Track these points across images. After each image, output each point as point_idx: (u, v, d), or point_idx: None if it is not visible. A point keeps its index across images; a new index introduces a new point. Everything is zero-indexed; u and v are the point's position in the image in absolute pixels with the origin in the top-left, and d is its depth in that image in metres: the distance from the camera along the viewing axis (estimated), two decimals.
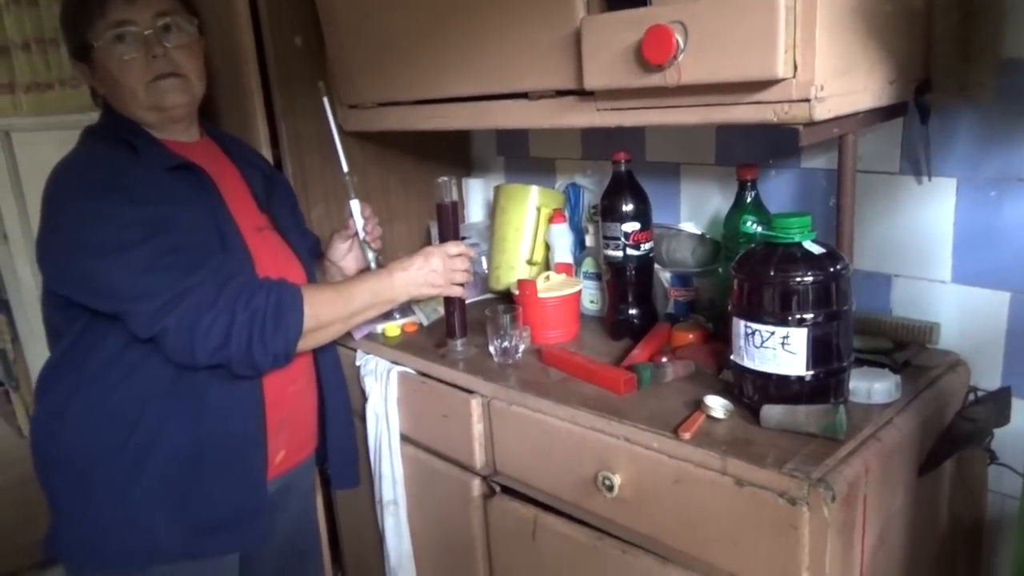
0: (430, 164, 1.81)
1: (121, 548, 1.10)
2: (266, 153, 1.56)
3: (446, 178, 1.29)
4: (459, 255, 1.25)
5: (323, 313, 1.11)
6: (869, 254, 1.21)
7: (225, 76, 1.56)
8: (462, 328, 1.33)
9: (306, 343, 1.11)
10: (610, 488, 1.03)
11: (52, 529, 1.14)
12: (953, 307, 1.15)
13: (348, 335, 1.47)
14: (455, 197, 1.30)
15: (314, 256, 1.38)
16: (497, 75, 1.22)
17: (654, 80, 0.97)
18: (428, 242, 1.81)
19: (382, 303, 1.19)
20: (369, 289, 1.18)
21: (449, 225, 1.30)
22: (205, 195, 1.12)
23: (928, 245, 1.17)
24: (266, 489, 1.18)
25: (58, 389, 1.11)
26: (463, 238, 1.34)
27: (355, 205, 1.31)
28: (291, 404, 1.22)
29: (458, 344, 1.33)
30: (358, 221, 1.32)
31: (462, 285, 1.27)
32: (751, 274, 0.97)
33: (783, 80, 0.89)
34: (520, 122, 1.25)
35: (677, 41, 0.92)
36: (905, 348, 1.14)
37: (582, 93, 1.11)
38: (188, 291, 1.01)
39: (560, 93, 1.15)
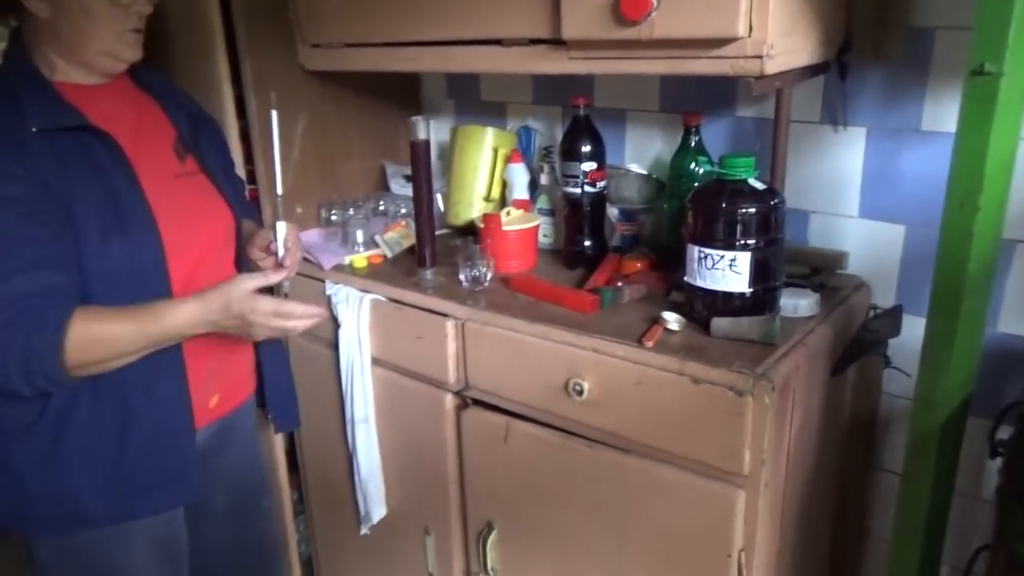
0: (381, 104, 1.87)
1: (48, 516, 1.12)
2: (226, 92, 1.59)
3: (418, 117, 1.37)
4: (272, 313, 1.09)
5: (91, 352, 1.01)
6: (792, 193, 1.40)
7: (183, 10, 1.55)
8: (432, 258, 1.44)
9: (82, 373, 1.03)
10: (580, 393, 1.18)
11: None
12: (859, 238, 1.37)
13: (317, 266, 1.56)
14: (426, 136, 1.38)
15: (241, 199, 1.36)
16: (472, 21, 1.30)
17: (628, 33, 1.09)
18: (382, 179, 1.88)
19: (175, 339, 1.10)
20: (160, 328, 1.05)
21: (421, 162, 1.39)
22: (103, 156, 1.08)
23: (840, 185, 1.37)
24: (194, 445, 1.20)
25: None
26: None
27: (281, 228, 1.19)
28: (221, 352, 1.24)
29: (428, 273, 1.44)
30: (279, 247, 1.19)
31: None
32: (704, 206, 1.13)
33: (740, 38, 1.03)
34: (492, 67, 1.34)
35: (652, 0, 1.05)
36: (820, 273, 1.34)
37: (555, 42, 1.22)
38: None
39: (533, 41, 1.25)
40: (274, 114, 1.20)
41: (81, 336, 0.99)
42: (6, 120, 1.02)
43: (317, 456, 1.74)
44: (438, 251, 1.50)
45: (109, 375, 1.07)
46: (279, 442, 1.78)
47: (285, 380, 1.43)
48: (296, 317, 1.11)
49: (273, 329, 1.12)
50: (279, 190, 1.23)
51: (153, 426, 1.14)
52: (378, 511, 1.57)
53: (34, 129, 1.02)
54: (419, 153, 1.39)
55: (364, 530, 1.61)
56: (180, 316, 1.05)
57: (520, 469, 1.31)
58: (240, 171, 1.55)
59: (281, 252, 1.19)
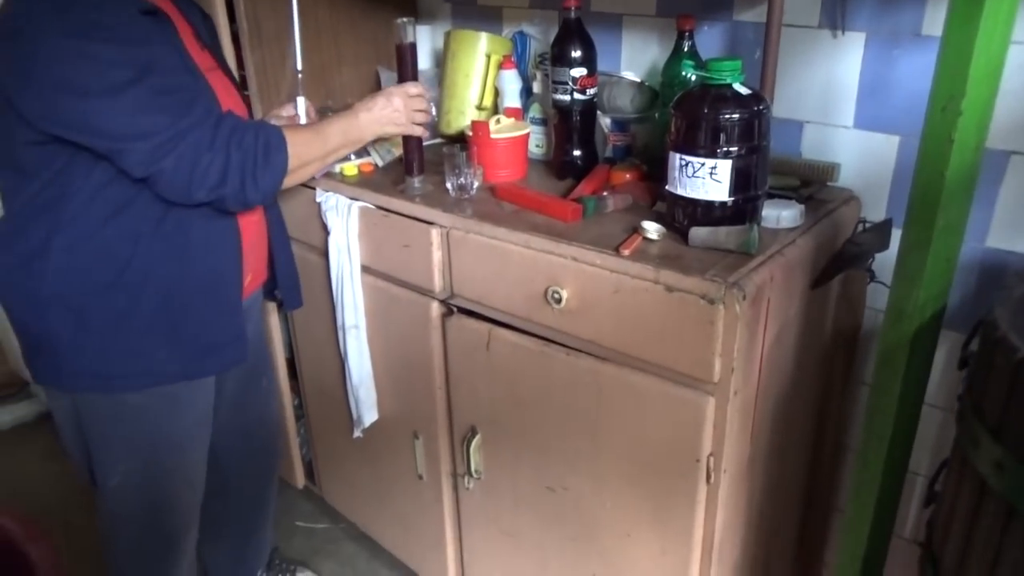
0: (377, 9, 1.82)
1: (123, 372, 1.21)
2: None
3: (405, 19, 1.33)
4: (418, 95, 1.34)
5: (304, 153, 1.20)
6: (786, 102, 1.36)
7: None
8: (420, 166, 1.43)
9: (289, 181, 1.20)
10: (558, 301, 1.19)
11: (46, 359, 1.21)
12: (853, 149, 1.33)
13: None
14: (413, 39, 1.35)
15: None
16: None
17: None
18: (377, 86, 1.85)
19: (352, 142, 1.30)
20: (340, 130, 1.26)
21: (408, 66, 1.36)
22: (173, 38, 1.15)
23: (836, 94, 1.32)
24: (242, 312, 1.30)
25: (33, 229, 1.13)
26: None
27: (301, 103, 1.36)
28: (254, 231, 1.33)
29: (416, 181, 1.43)
30: (302, 117, 1.38)
31: (422, 124, 1.35)
32: (687, 112, 1.10)
33: None
34: None
35: None
36: (810, 185, 1.32)
37: None
38: (185, 132, 1.06)
39: None
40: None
41: (292, 141, 1.17)
42: (121, 6, 1.06)
43: (313, 363, 1.79)
44: (428, 159, 1.48)
45: (180, 237, 1.16)
46: (278, 337, 1.83)
47: (290, 262, 1.50)
48: (420, 89, 1.34)
49: (415, 116, 1.34)
50: (299, 66, 1.36)
51: (213, 290, 1.23)
52: (370, 416, 1.62)
53: (134, 9, 1.08)
54: (405, 57, 1.35)
55: (357, 433, 1.66)
56: (352, 120, 1.27)
57: (501, 376, 1.34)
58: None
59: (304, 122, 1.33)
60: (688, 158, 1.11)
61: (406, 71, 1.36)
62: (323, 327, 1.65)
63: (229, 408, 1.47)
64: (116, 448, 1.27)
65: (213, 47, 1.30)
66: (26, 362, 1.25)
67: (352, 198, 1.49)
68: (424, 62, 1.89)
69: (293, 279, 1.51)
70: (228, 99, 1.23)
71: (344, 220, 1.49)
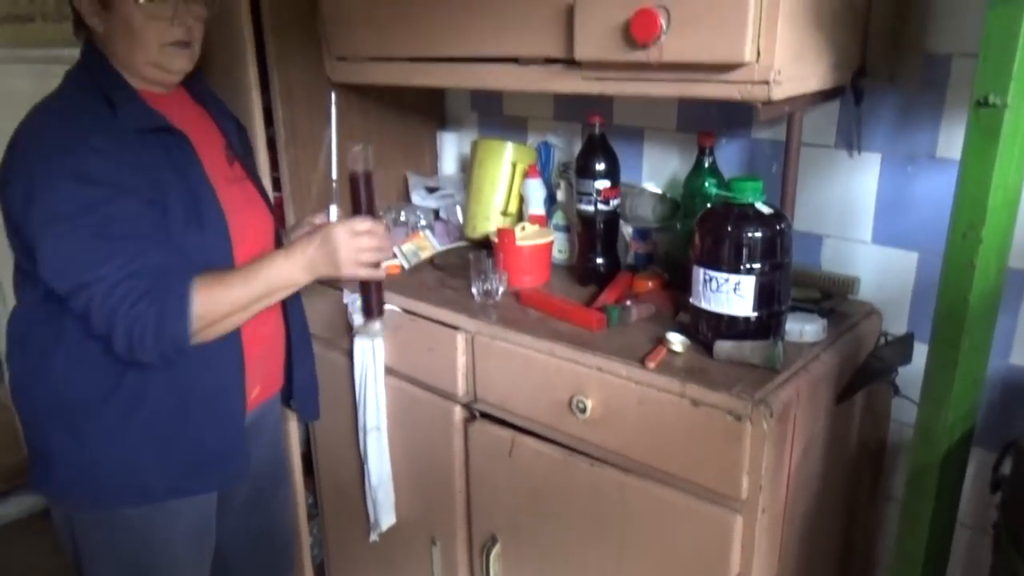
0: (406, 116, 1.91)
1: (114, 488, 1.19)
2: (254, 99, 1.64)
3: (359, 146, 1.22)
4: (366, 231, 1.16)
5: (213, 312, 1.10)
6: (805, 216, 1.39)
7: (216, 20, 1.61)
8: (379, 308, 1.27)
9: (203, 337, 1.11)
10: (583, 410, 1.19)
11: (42, 468, 1.21)
12: (872, 264, 1.35)
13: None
14: (368, 167, 1.20)
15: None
16: (491, 40, 1.32)
17: (638, 56, 1.11)
18: (405, 191, 1.92)
19: (281, 289, 1.17)
20: (265, 279, 1.13)
21: (360, 198, 1.21)
22: (181, 155, 1.16)
23: (854, 210, 1.36)
24: (243, 427, 1.28)
25: (39, 334, 1.16)
26: (379, 215, 1.25)
27: (334, 211, 1.26)
28: (265, 343, 1.31)
29: (376, 324, 1.30)
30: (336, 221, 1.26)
31: (377, 264, 1.21)
32: (711, 229, 1.14)
33: (748, 64, 1.03)
34: (509, 85, 1.36)
35: (661, 24, 1.06)
36: (831, 298, 1.33)
37: (569, 62, 1.24)
38: (87, 284, 1.04)
39: (548, 60, 1.27)
40: (333, 96, 1.33)
41: (203, 299, 1.08)
42: (106, 120, 1.10)
43: (331, 461, 1.77)
44: (453, 263, 1.52)
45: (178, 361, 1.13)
46: (295, 445, 1.82)
47: (310, 374, 1.48)
48: (369, 226, 1.16)
49: (360, 256, 1.16)
50: (334, 175, 1.30)
51: (211, 406, 1.21)
52: (387, 519, 1.59)
53: (132, 128, 1.10)
54: (357, 187, 1.21)
55: (373, 537, 1.64)
56: (282, 264, 1.15)
57: (524, 484, 1.32)
58: (266, 179, 1.60)
59: None
60: (712, 273, 1.13)
61: (359, 203, 1.21)
62: (343, 426, 1.65)
63: (241, 517, 1.44)
64: (106, 559, 1.24)
65: (245, 157, 1.33)
66: (28, 466, 1.24)
67: None
68: (450, 167, 1.96)
69: (311, 391, 1.49)
70: (247, 212, 1.26)
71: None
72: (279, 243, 1.35)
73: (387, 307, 1.24)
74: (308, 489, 1.89)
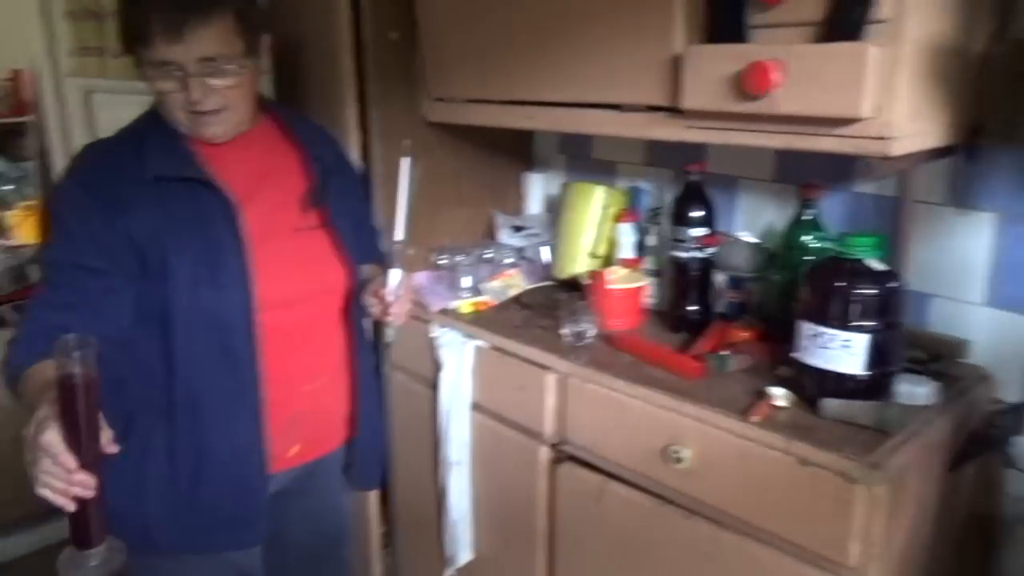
0: (495, 155, 1.94)
1: (123, 535, 1.10)
2: (354, 139, 1.69)
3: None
4: (49, 455, 0.84)
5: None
6: (913, 274, 1.36)
7: (320, 62, 1.68)
8: (99, 535, 0.89)
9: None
10: (678, 460, 1.17)
11: None
12: (984, 327, 1.30)
13: (424, 308, 1.61)
14: (81, 369, 0.83)
15: (370, 252, 1.37)
16: (591, 85, 1.34)
17: (749, 107, 1.10)
18: (490, 229, 1.94)
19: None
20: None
21: (79, 407, 0.84)
22: (210, 208, 1.13)
23: (965, 271, 1.32)
24: (263, 493, 1.22)
25: None
26: (97, 434, 0.88)
27: (395, 275, 1.21)
28: (307, 402, 1.26)
29: (91, 559, 0.89)
30: (390, 292, 1.21)
31: (52, 493, 0.87)
32: (820, 283, 1.12)
33: (865, 119, 1.02)
34: (607, 131, 1.37)
35: (776, 77, 1.06)
36: (939, 360, 1.29)
37: (673, 110, 1.24)
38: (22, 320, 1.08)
39: (651, 108, 1.28)
40: (405, 161, 1.22)
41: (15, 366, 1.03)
42: (126, 168, 1.11)
43: (408, 493, 1.78)
44: (539, 302, 1.52)
45: (187, 413, 1.13)
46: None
47: (375, 440, 1.42)
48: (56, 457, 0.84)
49: (41, 477, 0.86)
50: (399, 236, 1.22)
51: (225, 468, 1.17)
52: (464, 555, 1.59)
53: (152, 176, 1.10)
54: (74, 393, 0.84)
55: (449, 572, 1.63)
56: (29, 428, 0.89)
57: (612, 530, 1.30)
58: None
59: (391, 299, 1.20)
60: (820, 328, 1.11)
61: (73, 415, 0.84)
62: (423, 459, 1.66)
63: (297, 570, 1.43)
64: None
65: (332, 201, 1.26)
66: None
67: (467, 335, 1.53)
68: (536, 207, 1.98)
69: (373, 455, 1.42)
70: (307, 263, 1.22)
71: (458, 356, 1.53)
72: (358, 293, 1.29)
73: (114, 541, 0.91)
74: (382, 518, 1.90)
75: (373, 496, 1.86)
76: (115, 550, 0.91)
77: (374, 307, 1.25)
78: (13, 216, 3.08)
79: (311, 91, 1.74)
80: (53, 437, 0.84)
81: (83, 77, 2.19)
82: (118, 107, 2.25)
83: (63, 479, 0.84)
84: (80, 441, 0.85)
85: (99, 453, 0.88)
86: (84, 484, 0.85)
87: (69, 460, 0.84)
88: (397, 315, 1.23)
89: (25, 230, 2.94)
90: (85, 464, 0.85)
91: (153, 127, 1.13)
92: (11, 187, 3.72)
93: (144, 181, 1.10)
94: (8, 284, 2.86)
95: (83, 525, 0.88)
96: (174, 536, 1.18)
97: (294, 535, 1.41)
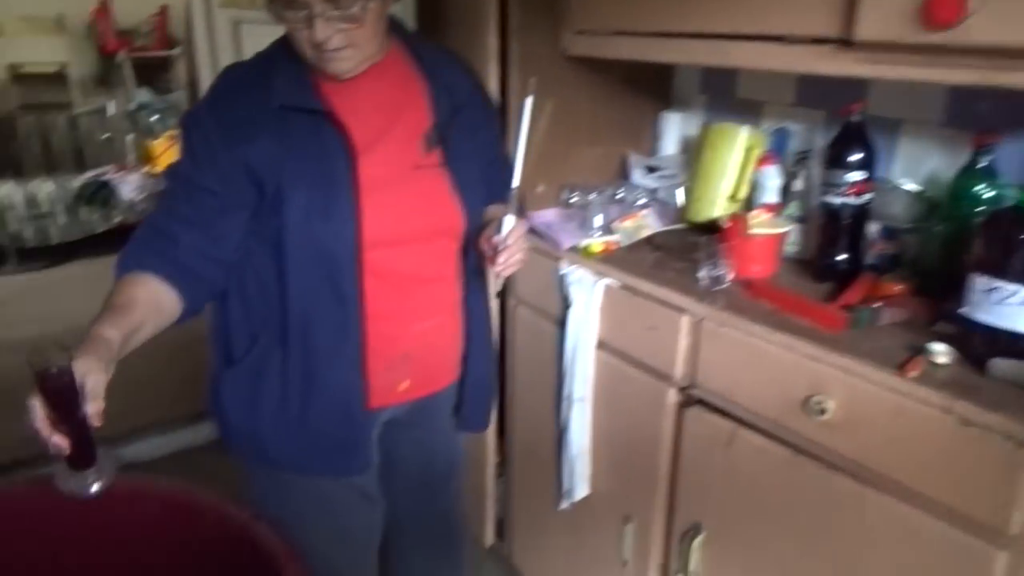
0: (632, 93, 1.88)
1: (243, 448, 1.26)
2: (492, 71, 1.68)
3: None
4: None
5: None
6: None
7: None
8: (89, 459, 0.92)
9: None
10: (821, 412, 1.13)
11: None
12: None
13: (554, 246, 1.61)
14: (71, 379, 0.86)
15: (497, 192, 1.28)
16: (753, 16, 1.26)
17: (934, 38, 1.01)
18: (623, 169, 1.90)
19: None
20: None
21: (67, 406, 0.87)
22: (327, 142, 1.12)
23: None
24: (364, 426, 1.25)
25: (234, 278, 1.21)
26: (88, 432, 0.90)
27: (508, 222, 1.16)
28: (418, 340, 1.26)
29: (90, 476, 0.92)
30: (500, 239, 1.15)
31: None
32: (1002, 234, 1.03)
33: None
34: (767, 65, 1.30)
35: (971, 3, 0.96)
36: None
37: (842, 42, 1.15)
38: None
39: (816, 40, 1.20)
40: (529, 101, 1.15)
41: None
42: (254, 94, 1.12)
43: (526, 426, 1.81)
44: (671, 244, 1.48)
45: (298, 341, 1.17)
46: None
47: (484, 381, 1.41)
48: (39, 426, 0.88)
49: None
50: (515, 182, 1.17)
51: (331, 398, 1.20)
52: (581, 489, 1.61)
53: (277, 105, 1.10)
54: (62, 396, 0.87)
55: (564, 505, 1.66)
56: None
57: (740, 478, 1.28)
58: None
59: (501, 247, 1.15)
60: (997, 283, 1.02)
61: (68, 409, 0.87)
62: (544, 394, 1.68)
63: (410, 495, 1.49)
64: (262, 505, 1.27)
65: (456, 140, 1.22)
66: None
67: (598, 274, 1.52)
68: (671, 148, 1.92)
69: (481, 398, 1.42)
70: (421, 202, 1.20)
71: (587, 295, 1.52)
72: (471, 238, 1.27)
73: (101, 450, 0.93)
74: (497, 448, 1.95)
75: (490, 428, 1.91)
76: (108, 461, 0.94)
77: (486, 253, 1.21)
78: (158, 145, 3.29)
79: (452, 19, 1.73)
80: (37, 413, 0.87)
81: (233, 8, 2.28)
82: (266, 37, 2.33)
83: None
84: (59, 419, 0.88)
85: (81, 422, 0.89)
86: (57, 445, 0.88)
87: (44, 430, 0.87)
88: (505, 264, 1.16)
89: (169, 159, 3.13)
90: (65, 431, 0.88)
91: (284, 56, 1.13)
92: (156, 117, 3.98)
93: (269, 109, 1.11)
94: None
95: (73, 456, 0.90)
96: (284, 455, 1.24)
97: (405, 463, 1.46)
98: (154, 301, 1.08)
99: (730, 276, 1.39)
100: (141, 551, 1.04)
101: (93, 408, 0.89)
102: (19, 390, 0.88)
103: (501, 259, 1.15)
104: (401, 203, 1.18)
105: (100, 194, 4.36)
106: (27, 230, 4.41)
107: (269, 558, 0.94)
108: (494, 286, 1.57)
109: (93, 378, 0.89)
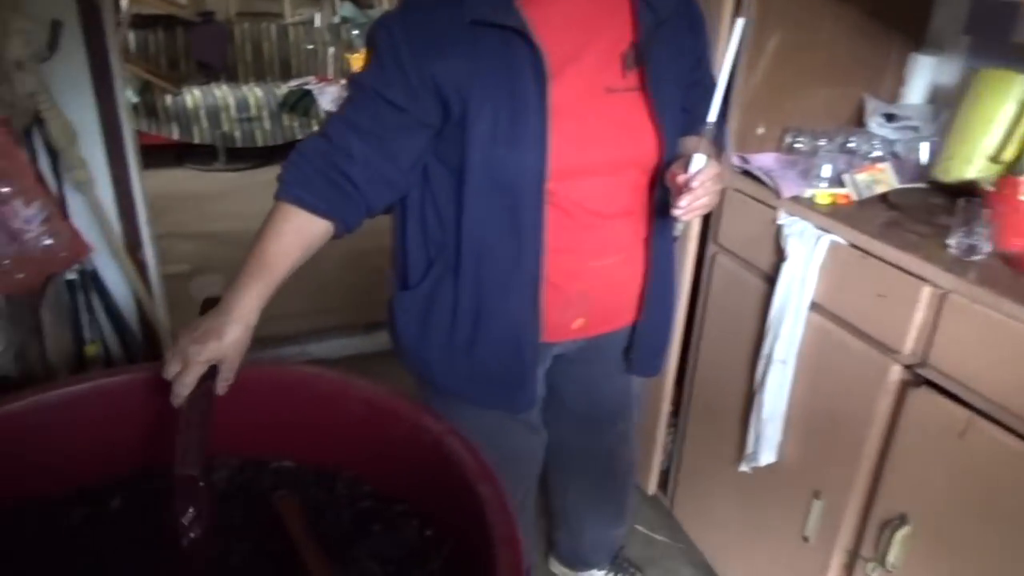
0: (880, 29, 1.66)
1: (415, 371, 1.27)
2: None
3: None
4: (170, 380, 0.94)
5: None
6: None
7: None
8: (199, 455, 0.89)
9: None
10: None
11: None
12: None
13: (774, 192, 1.48)
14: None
15: (699, 118, 1.12)
16: None
17: None
18: (857, 115, 1.71)
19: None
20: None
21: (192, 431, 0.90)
22: (519, 61, 1.05)
23: None
24: (533, 361, 1.22)
25: (411, 197, 1.21)
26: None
27: (697, 161, 1.05)
28: (596, 278, 1.21)
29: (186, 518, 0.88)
30: (685, 179, 1.06)
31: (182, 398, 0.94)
32: None
33: None
34: None
35: None
36: None
37: None
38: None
39: None
40: (739, 24, 1.03)
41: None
42: (447, 7, 1.05)
43: (711, 381, 1.73)
44: (910, 204, 1.31)
45: (471, 270, 1.14)
46: (671, 355, 1.81)
47: (660, 327, 1.35)
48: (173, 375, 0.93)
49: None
50: (712, 117, 1.06)
51: (500, 332, 1.18)
52: (767, 455, 1.51)
53: (469, 20, 1.04)
54: (194, 416, 0.93)
55: (744, 468, 1.57)
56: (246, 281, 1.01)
57: (970, 473, 1.14)
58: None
59: (684, 188, 1.04)
60: None
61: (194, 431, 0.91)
62: (737, 350, 1.58)
63: (575, 432, 1.48)
64: None
65: (657, 62, 1.12)
66: None
67: (822, 228, 1.38)
68: (916, 95, 1.70)
69: (655, 344, 1.36)
70: (614, 124, 1.12)
71: (807, 250, 1.39)
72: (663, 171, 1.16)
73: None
74: (673, 400, 1.88)
75: (668, 376, 1.84)
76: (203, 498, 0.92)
77: (673, 190, 1.11)
78: (356, 58, 3.40)
79: None
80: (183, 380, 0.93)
81: None
82: None
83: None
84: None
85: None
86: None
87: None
88: (687, 209, 1.05)
89: None
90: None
91: None
92: (357, 32, 4.11)
93: (462, 23, 1.04)
94: None
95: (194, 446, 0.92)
96: (451, 384, 1.24)
97: (571, 399, 1.43)
98: (306, 245, 1.06)
99: (989, 247, 1.21)
100: (336, 446, 1.06)
101: (222, 385, 0.97)
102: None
103: (683, 202, 1.05)
104: (593, 131, 1.11)
105: (302, 102, 4.64)
106: (236, 131, 4.80)
107: (460, 473, 0.94)
108: (675, 229, 1.48)
109: (228, 364, 0.97)
